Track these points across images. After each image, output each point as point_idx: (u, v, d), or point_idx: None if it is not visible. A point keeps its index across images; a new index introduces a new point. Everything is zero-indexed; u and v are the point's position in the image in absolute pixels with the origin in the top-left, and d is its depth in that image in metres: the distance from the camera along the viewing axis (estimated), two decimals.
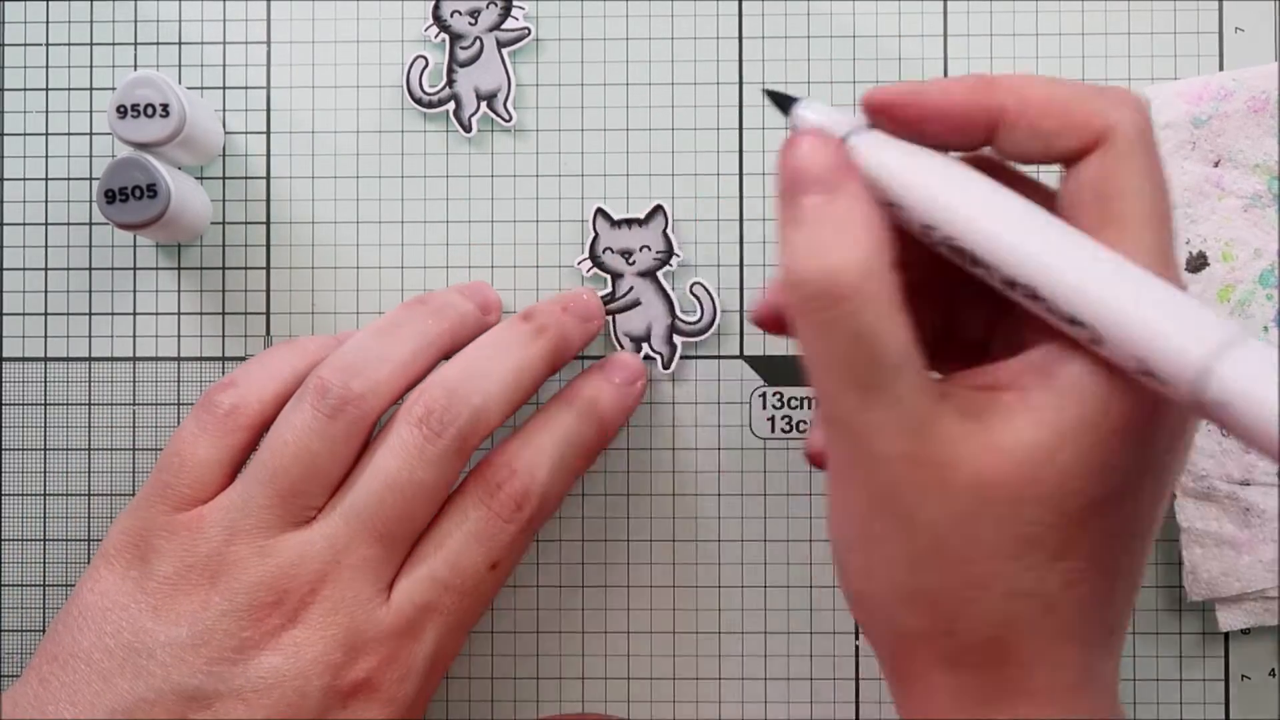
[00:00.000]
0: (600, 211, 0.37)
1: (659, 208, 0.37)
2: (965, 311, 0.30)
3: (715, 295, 0.37)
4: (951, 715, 0.27)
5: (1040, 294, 0.22)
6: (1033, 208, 0.24)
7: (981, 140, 0.26)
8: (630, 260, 0.37)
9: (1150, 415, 0.24)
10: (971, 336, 0.30)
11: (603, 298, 0.37)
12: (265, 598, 0.30)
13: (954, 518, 0.25)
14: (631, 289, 0.37)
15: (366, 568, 0.31)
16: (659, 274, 0.37)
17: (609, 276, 0.37)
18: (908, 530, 0.26)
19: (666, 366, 0.37)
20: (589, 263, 0.37)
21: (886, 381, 0.24)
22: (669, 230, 0.37)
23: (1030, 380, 0.25)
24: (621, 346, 0.37)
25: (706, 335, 0.37)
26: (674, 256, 0.37)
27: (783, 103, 0.27)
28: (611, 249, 0.37)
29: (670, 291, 0.37)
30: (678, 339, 0.37)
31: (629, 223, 0.37)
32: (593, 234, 0.37)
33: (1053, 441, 0.24)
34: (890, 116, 0.26)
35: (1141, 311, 0.21)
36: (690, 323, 0.37)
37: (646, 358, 0.37)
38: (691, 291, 0.37)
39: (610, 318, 0.37)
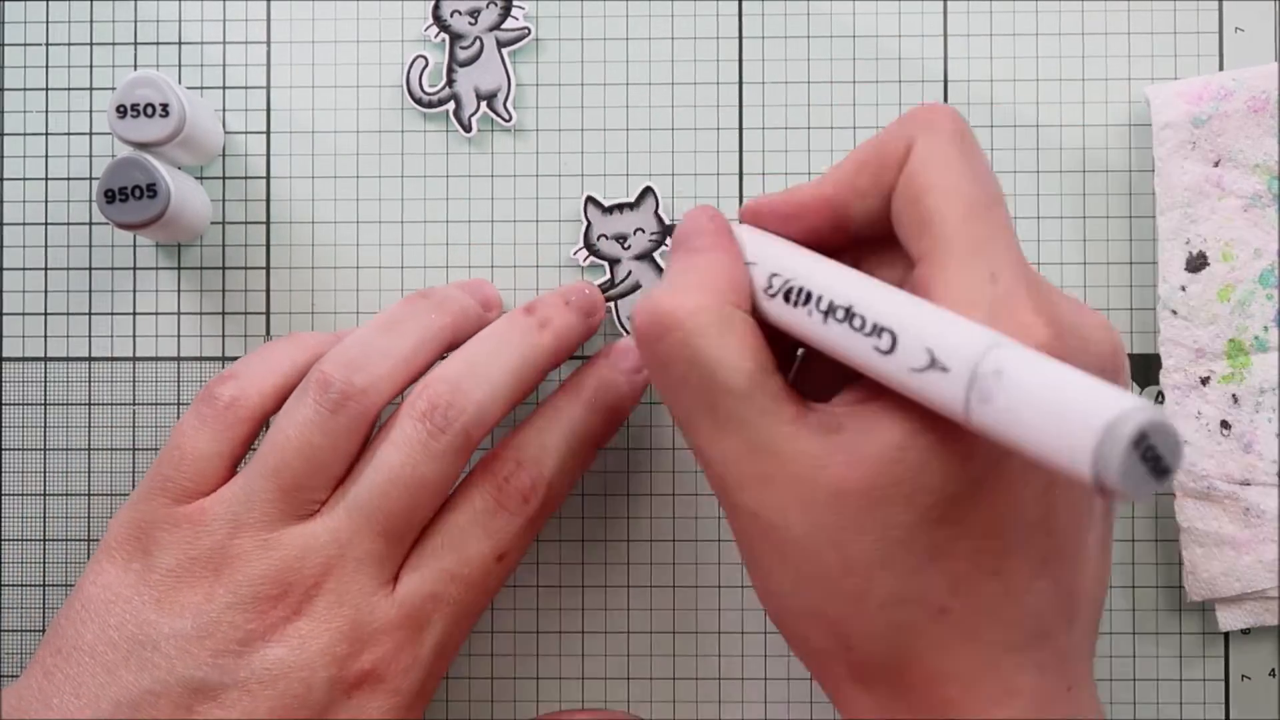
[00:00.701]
0: (591, 199, 0.37)
1: (648, 189, 0.37)
2: None
3: None
4: None
5: (855, 310, 0.25)
6: (844, 266, 0.28)
7: (838, 225, 0.29)
8: (625, 245, 0.37)
9: None
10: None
11: (602, 285, 0.37)
12: (269, 590, 0.30)
13: (821, 533, 0.25)
14: (630, 273, 0.37)
15: (371, 561, 0.31)
16: (655, 255, 0.37)
17: (606, 263, 0.37)
18: (780, 552, 0.26)
19: None
20: (585, 252, 0.37)
21: (733, 406, 0.26)
22: (660, 210, 0.37)
23: (887, 389, 0.25)
24: (626, 332, 0.37)
25: None
26: (668, 236, 0.37)
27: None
28: (606, 235, 0.37)
29: None
30: None
31: (620, 207, 0.37)
32: (585, 223, 0.37)
33: (902, 440, 0.25)
34: (764, 215, 0.29)
35: (929, 312, 0.25)
36: None
37: None
38: None
39: (612, 304, 0.37)
